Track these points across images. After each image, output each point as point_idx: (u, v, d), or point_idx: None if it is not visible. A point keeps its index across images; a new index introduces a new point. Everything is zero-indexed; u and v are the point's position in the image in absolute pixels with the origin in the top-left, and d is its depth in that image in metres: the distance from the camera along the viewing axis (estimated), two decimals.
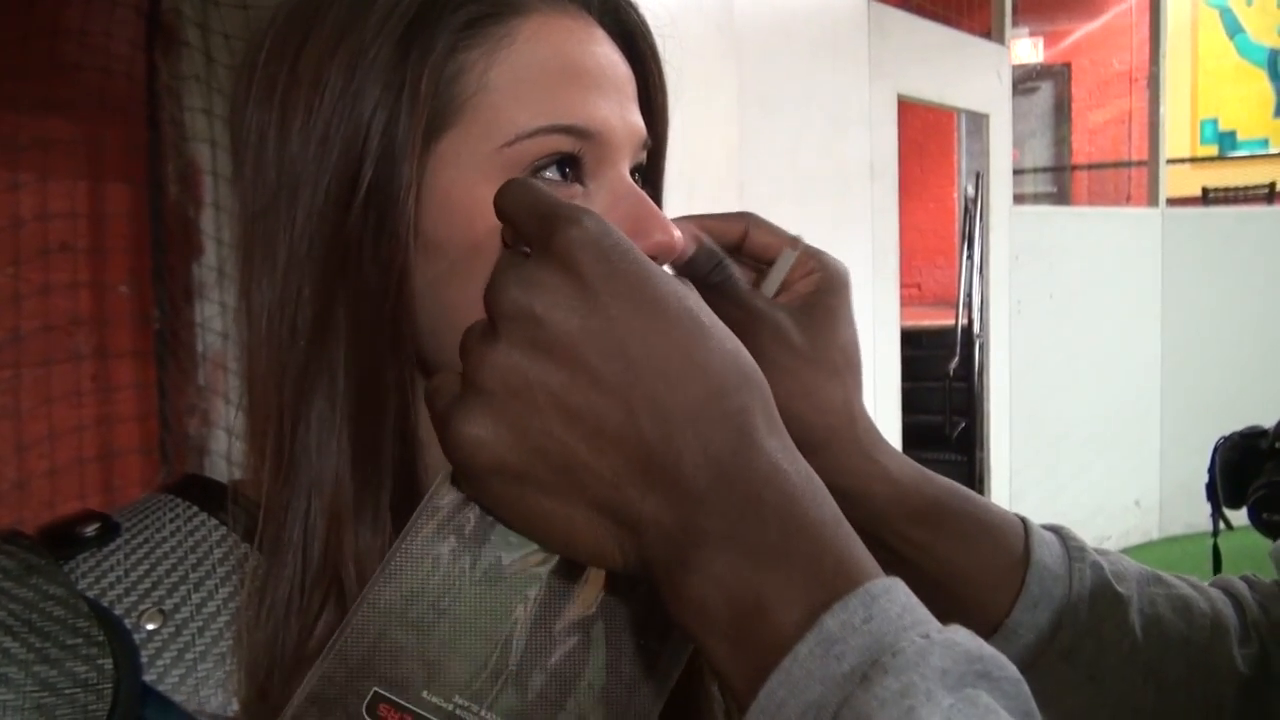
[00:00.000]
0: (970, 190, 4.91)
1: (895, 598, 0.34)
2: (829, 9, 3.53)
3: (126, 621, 0.46)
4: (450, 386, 0.40)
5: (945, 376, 5.11)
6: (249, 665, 0.46)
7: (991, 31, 4.66)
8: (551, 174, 0.48)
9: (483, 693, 0.40)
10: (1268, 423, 1.67)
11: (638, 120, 0.51)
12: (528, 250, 0.40)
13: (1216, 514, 1.74)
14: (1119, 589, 0.57)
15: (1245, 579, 0.63)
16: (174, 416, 2.37)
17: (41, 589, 0.45)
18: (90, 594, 0.47)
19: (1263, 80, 8.65)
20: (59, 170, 2.25)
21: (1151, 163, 5.58)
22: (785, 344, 0.53)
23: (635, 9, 0.54)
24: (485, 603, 0.40)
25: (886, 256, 3.83)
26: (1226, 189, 8.18)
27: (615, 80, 0.50)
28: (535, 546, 0.41)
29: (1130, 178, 7.79)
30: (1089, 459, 5.05)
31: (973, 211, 4.84)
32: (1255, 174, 8.20)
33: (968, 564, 0.56)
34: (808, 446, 0.40)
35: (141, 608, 0.47)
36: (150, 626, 0.47)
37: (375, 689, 0.39)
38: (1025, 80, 8.22)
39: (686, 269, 0.53)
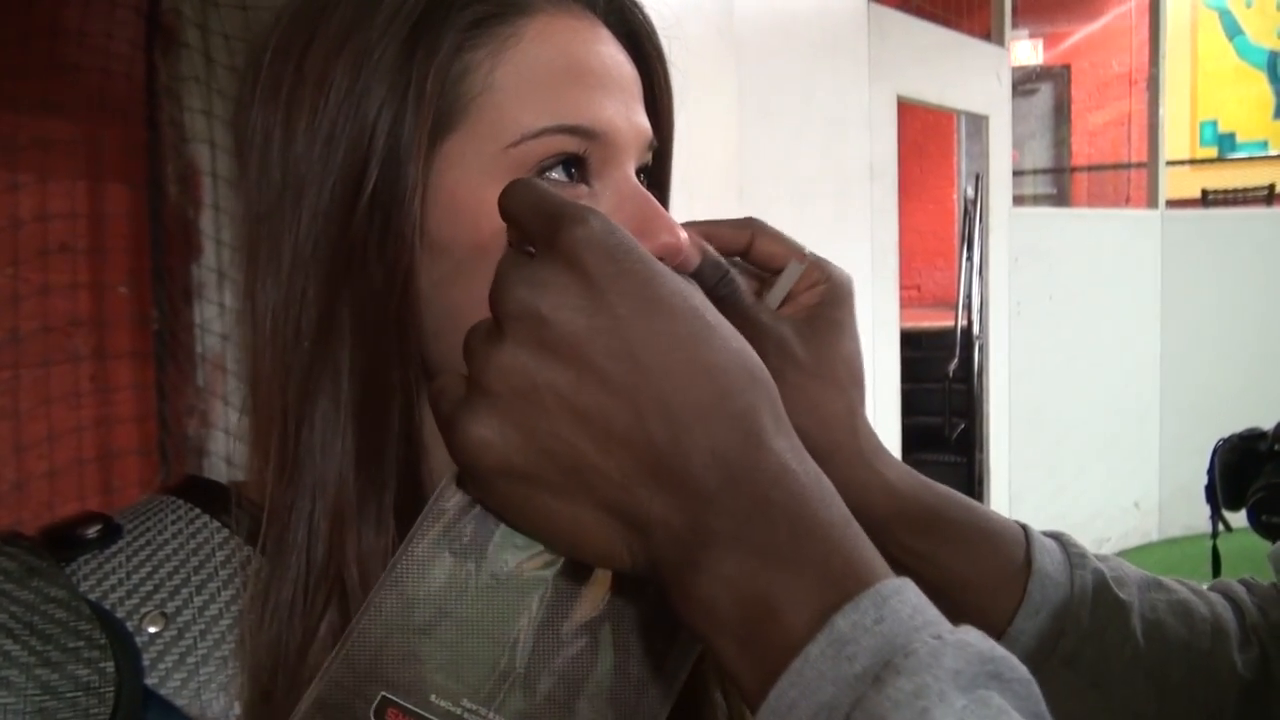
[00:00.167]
0: (970, 192, 4.91)
1: (906, 598, 0.34)
2: (829, 11, 3.53)
3: (128, 624, 0.46)
4: (455, 388, 0.39)
5: (945, 378, 5.10)
6: (252, 668, 0.45)
7: (991, 33, 4.67)
8: (557, 174, 0.48)
9: (490, 696, 0.40)
10: (1267, 425, 1.67)
11: (643, 121, 0.51)
12: (532, 251, 0.40)
13: (1215, 516, 1.73)
14: (1120, 595, 0.57)
15: (1243, 582, 0.63)
16: (173, 418, 2.37)
17: (43, 591, 0.45)
18: (92, 597, 0.46)
19: (1262, 82, 8.66)
20: (58, 171, 2.25)
21: (1151, 164, 5.58)
22: (789, 358, 0.53)
23: (641, 9, 0.54)
24: (492, 606, 0.40)
25: (886, 258, 3.83)
26: (1226, 191, 8.18)
27: (621, 81, 0.50)
28: (541, 549, 0.41)
29: (1130, 179, 7.79)
30: (1088, 461, 5.05)
31: (972, 213, 4.84)
32: (1255, 176, 8.20)
33: (969, 572, 0.56)
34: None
35: (144, 611, 0.47)
36: (152, 630, 0.46)
37: (383, 693, 0.39)
38: (1025, 82, 8.23)
39: (692, 280, 0.53)
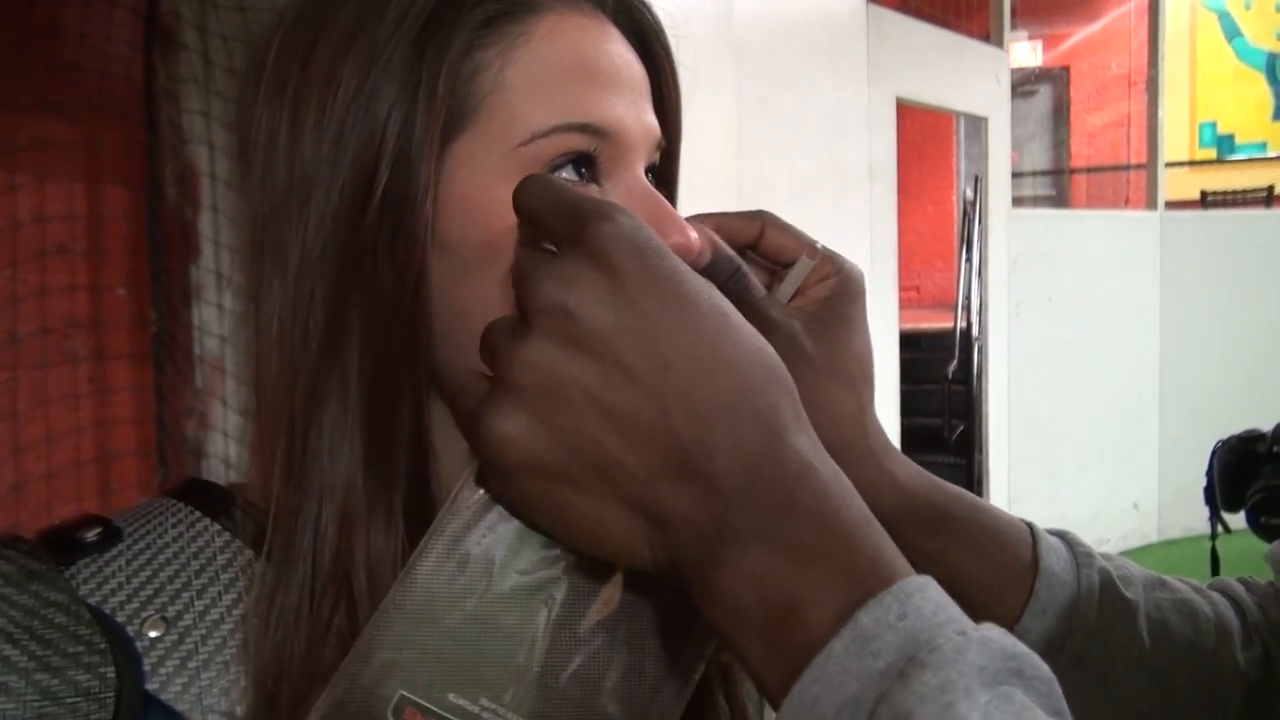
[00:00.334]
0: (969, 193, 4.91)
1: (929, 595, 0.34)
2: (828, 12, 3.53)
3: (129, 629, 0.46)
4: (477, 385, 0.39)
5: (944, 379, 5.10)
6: (256, 672, 0.45)
7: (990, 35, 4.67)
8: (567, 174, 0.47)
9: (508, 695, 0.39)
10: (1267, 426, 1.67)
11: (652, 120, 0.51)
12: (549, 247, 0.39)
13: (1214, 517, 1.73)
14: (1127, 594, 0.57)
15: (1242, 581, 0.63)
16: (171, 419, 2.36)
17: (42, 595, 0.45)
18: (92, 601, 0.46)
19: (1261, 83, 8.66)
20: (56, 172, 2.25)
21: (1150, 166, 5.59)
22: (799, 354, 0.52)
23: (649, 9, 0.53)
24: (510, 604, 0.40)
25: (885, 259, 3.83)
26: (1225, 192, 8.18)
27: (630, 80, 0.50)
28: (559, 548, 0.41)
29: (1129, 181, 7.79)
30: (1088, 462, 5.05)
31: (971, 214, 4.84)
32: (1254, 177, 8.20)
33: (977, 572, 0.55)
34: None
35: (144, 615, 0.46)
36: (153, 634, 0.46)
37: (401, 691, 0.39)
38: (1024, 83, 8.24)
39: (703, 274, 0.52)
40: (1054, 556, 0.57)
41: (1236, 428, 1.71)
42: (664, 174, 0.55)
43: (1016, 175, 6.36)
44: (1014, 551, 0.56)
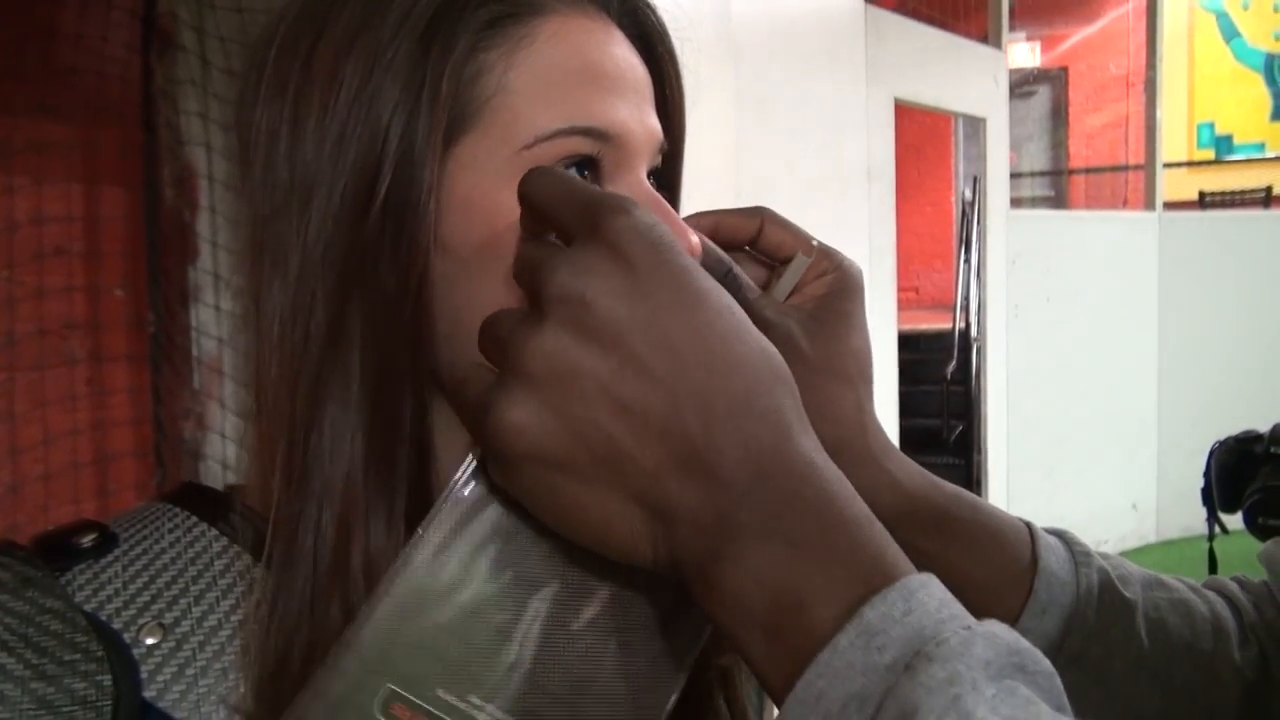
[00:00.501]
0: (967, 194, 4.91)
1: (932, 592, 0.35)
2: (826, 14, 3.53)
3: (125, 636, 0.45)
4: (483, 375, 0.39)
5: (943, 380, 5.10)
6: (255, 678, 0.44)
7: (988, 36, 4.67)
8: None
9: (498, 691, 0.39)
10: (1265, 427, 1.67)
11: (655, 124, 0.50)
12: (555, 240, 0.39)
13: (1212, 518, 1.73)
14: (1125, 594, 0.57)
15: (1236, 580, 0.63)
16: (169, 421, 2.36)
17: (38, 602, 0.44)
18: (88, 607, 0.46)
19: (1259, 84, 8.67)
20: (54, 173, 2.25)
21: (1148, 166, 5.59)
22: (796, 354, 0.52)
23: (654, 11, 0.53)
24: (503, 600, 0.40)
25: (884, 260, 3.83)
26: (1223, 193, 8.19)
27: (634, 83, 0.49)
28: (555, 544, 0.40)
29: (1127, 181, 7.80)
30: (1086, 463, 5.05)
31: (970, 215, 4.84)
32: (1252, 178, 8.21)
33: (976, 572, 0.55)
34: None
35: (141, 621, 0.46)
36: (150, 641, 0.45)
37: (390, 685, 0.38)
38: (1022, 84, 8.24)
39: None
40: (1053, 556, 0.57)
41: (1236, 428, 1.70)
42: (666, 177, 0.55)
43: (1015, 176, 6.37)
44: (1013, 551, 0.56)
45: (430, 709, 0.38)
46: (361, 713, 0.38)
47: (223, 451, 2.30)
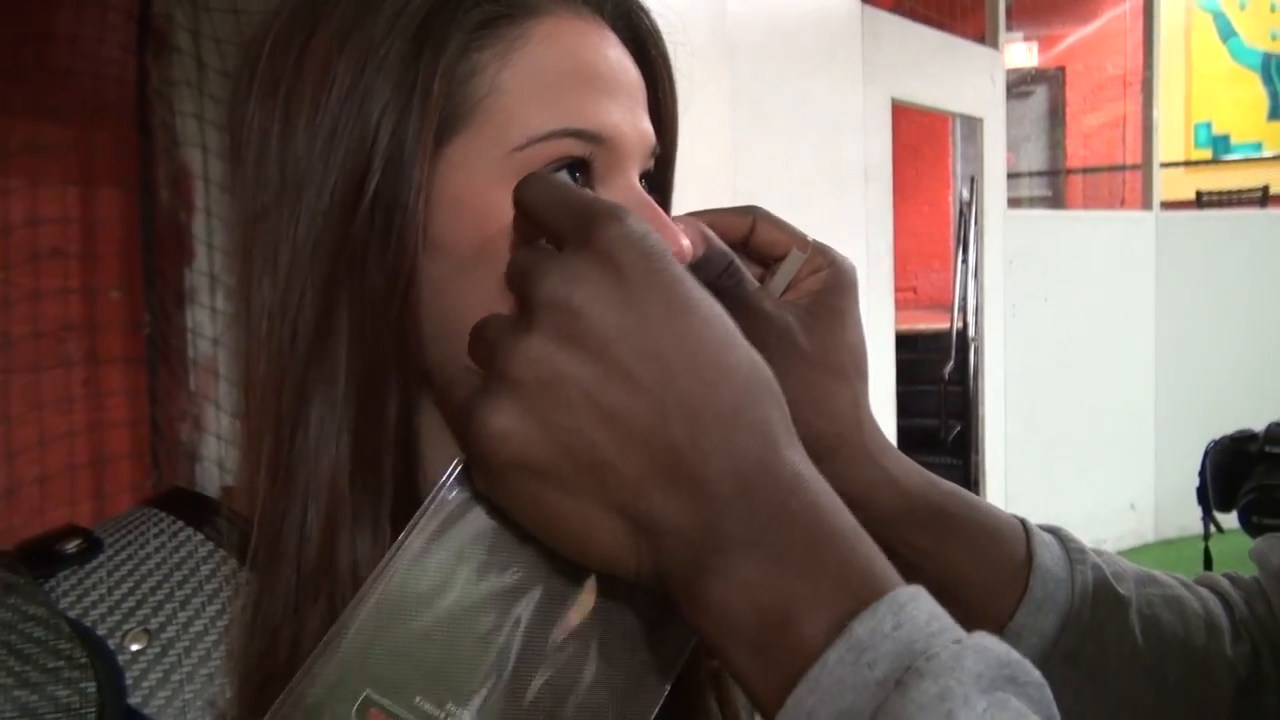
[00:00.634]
0: (965, 194, 4.91)
1: (921, 605, 0.34)
2: (823, 14, 3.53)
3: (110, 642, 0.45)
4: (470, 380, 0.39)
5: (940, 380, 5.10)
6: (241, 681, 0.44)
7: (985, 36, 4.67)
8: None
9: (475, 700, 0.39)
10: (1261, 426, 1.67)
11: (648, 127, 0.50)
12: (547, 246, 0.39)
13: (1207, 517, 1.73)
14: (1119, 590, 0.57)
15: (1228, 576, 0.63)
16: (165, 422, 2.36)
17: (20, 609, 0.44)
18: (72, 614, 0.45)
19: (1256, 84, 8.68)
20: (50, 175, 2.25)
21: (1145, 166, 5.59)
22: (793, 348, 0.52)
23: (648, 14, 0.53)
24: (484, 608, 0.40)
25: (881, 260, 3.83)
26: (1220, 192, 8.19)
27: (627, 85, 0.49)
28: (538, 553, 0.40)
29: (1124, 181, 7.80)
30: (1084, 462, 5.05)
31: (967, 215, 4.84)
32: (1249, 177, 8.22)
33: (971, 569, 0.56)
34: (815, 453, 0.40)
35: (126, 627, 0.45)
36: (135, 647, 0.45)
37: (368, 691, 0.38)
38: (1019, 84, 8.25)
39: (696, 271, 0.52)
40: (1048, 553, 0.57)
41: (1234, 427, 1.70)
42: (658, 181, 0.55)
43: (1012, 176, 6.36)
44: (1009, 549, 0.56)
45: (407, 717, 0.38)
46: (338, 716, 0.38)
47: (219, 453, 2.29)
